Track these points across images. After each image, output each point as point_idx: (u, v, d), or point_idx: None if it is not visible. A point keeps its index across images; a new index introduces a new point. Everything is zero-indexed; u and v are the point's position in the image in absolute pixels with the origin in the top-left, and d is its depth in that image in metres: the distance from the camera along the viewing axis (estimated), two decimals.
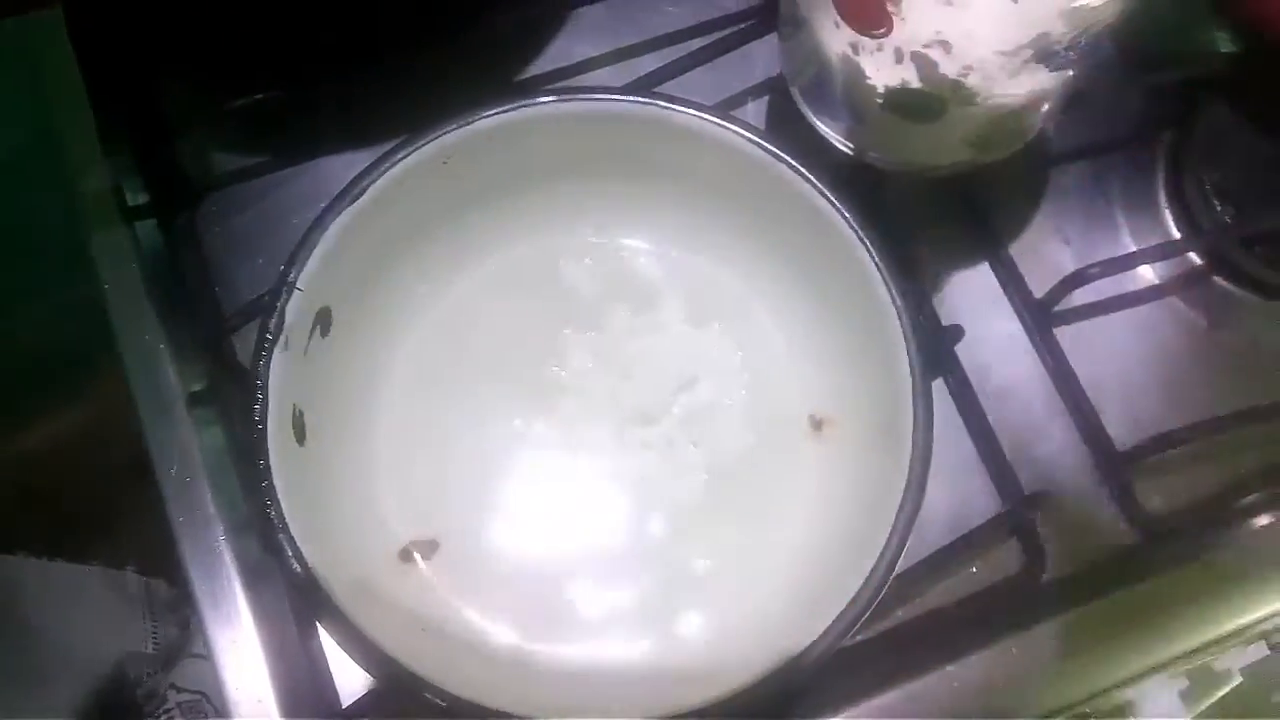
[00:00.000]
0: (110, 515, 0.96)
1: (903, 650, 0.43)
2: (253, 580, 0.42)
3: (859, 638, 0.37)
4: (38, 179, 0.60)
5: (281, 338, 0.37)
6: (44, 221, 0.69)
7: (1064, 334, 0.48)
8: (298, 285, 0.37)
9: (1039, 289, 0.49)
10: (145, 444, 0.44)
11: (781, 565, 0.42)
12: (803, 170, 0.39)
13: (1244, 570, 0.42)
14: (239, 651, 0.41)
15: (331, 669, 0.43)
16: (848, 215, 0.39)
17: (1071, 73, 0.39)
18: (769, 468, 0.44)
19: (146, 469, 0.44)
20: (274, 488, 0.35)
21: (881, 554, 0.35)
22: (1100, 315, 0.50)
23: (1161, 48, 0.53)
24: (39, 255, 0.80)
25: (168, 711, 0.81)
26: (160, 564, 0.90)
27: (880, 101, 0.40)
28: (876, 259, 0.38)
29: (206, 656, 0.85)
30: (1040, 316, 0.48)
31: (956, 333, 0.46)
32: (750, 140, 0.40)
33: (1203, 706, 0.49)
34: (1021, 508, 0.45)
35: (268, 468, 0.35)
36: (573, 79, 0.51)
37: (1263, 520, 0.46)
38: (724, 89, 0.52)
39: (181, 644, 0.87)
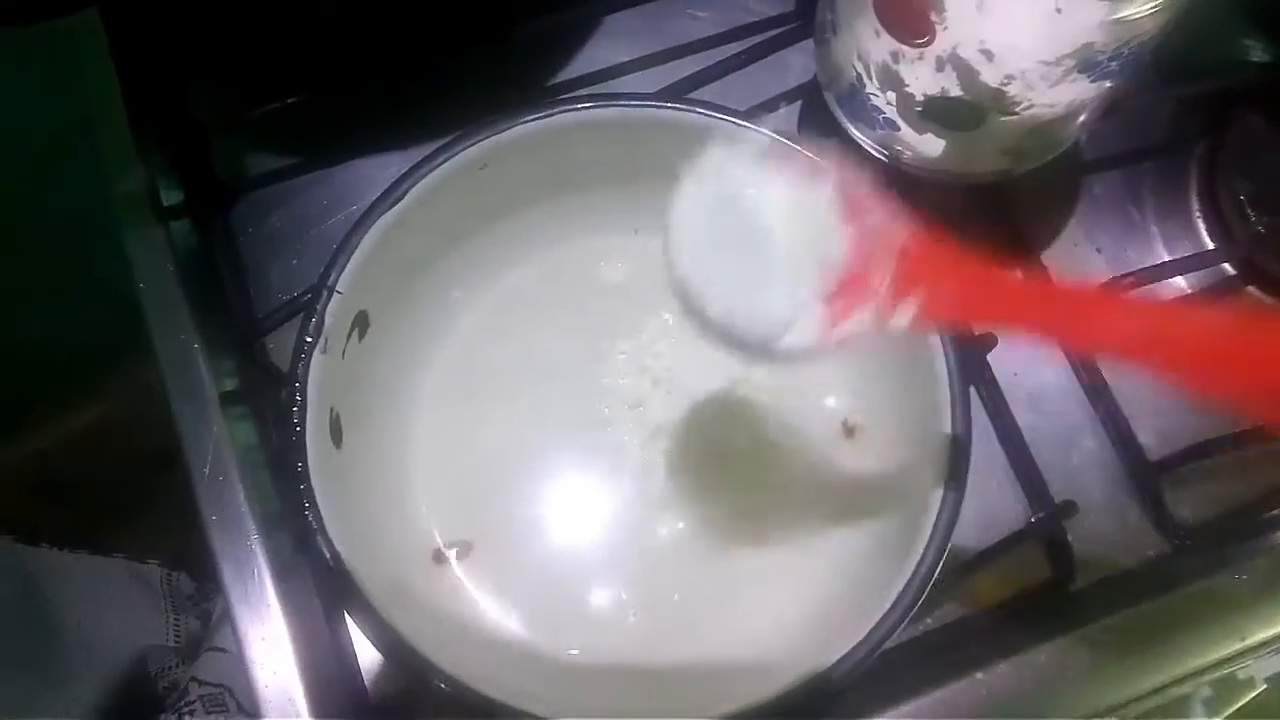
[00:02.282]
0: (134, 509, 0.97)
1: (932, 657, 0.43)
2: (284, 577, 0.42)
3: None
4: (73, 178, 0.60)
5: (321, 340, 0.37)
6: (77, 220, 0.69)
7: None
8: (337, 288, 0.37)
9: None
10: (178, 441, 0.44)
11: (815, 572, 0.42)
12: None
13: (1273, 581, 0.42)
14: (269, 648, 0.41)
15: (361, 667, 0.43)
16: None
17: (1110, 84, 0.39)
18: (801, 475, 0.44)
19: (170, 463, 0.44)
20: (312, 490, 0.35)
21: (919, 562, 0.35)
22: None
23: (1195, 58, 0.52)
24: (69, 252, 0.80)
25: (189, 704, 0.82)
26: (182, 557, 0.91)
27: (919, 110, 0.40)
28: None
29: (228, 650, 0.86)
30: None
31: (989, 340, 0.46)
32: (785, 145, 0.40)
33: (1226, 713, 0.49)
34: (1052, 516, 0.45)
35: (306, 470, 0.35)
36: (603, 85, 0.51)
37: None
38: (756, 95, 0.52)
39: (203, 637, 0.87)
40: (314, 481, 0.35)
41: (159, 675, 0.87)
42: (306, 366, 0.36)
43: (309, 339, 0.37)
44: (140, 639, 0.86)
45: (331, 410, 0.38)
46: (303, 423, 0.36)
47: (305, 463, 0.35)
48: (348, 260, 0.38)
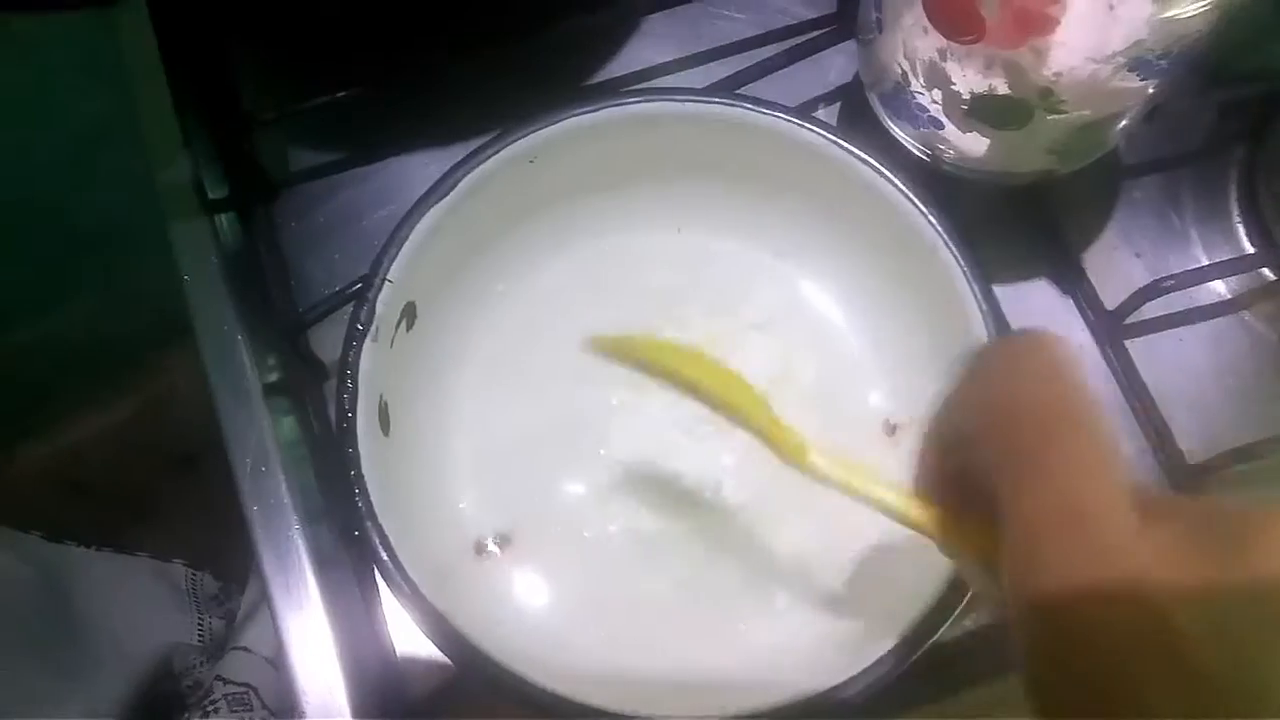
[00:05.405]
0: (158, 508, 0.98)
1: (959, 662, 0.43)
2: (325, 571, 0.42)
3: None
4: (117, 170, 0.61)
5: (372, 329, 0.37)
6: (117, 214, 0.70)
7: (1134, 346, 0.48)
8: (389, 278, 0.38)
9: (1109, 300, 0.49)
10: (220, 432, 0.44)
11: (854, 572, 0.42)
12: (888, 173, 0.40)
13: None
14: (310, 642, 0.41)
15: (400, 658, 0.44)
16: (933, 219, 0.39)
17: (1156, 85, 0.39)
18: None
19: (194, 464, 0.44)
20: (363, 476, 0.35)
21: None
22: (1171, 328, 0.50)
23: (1236, 63, 0.53)
24: (104, 247, 0.81)
25: (214, 702, 0.82)
26: (206, 557, 0.91)
27: (965, 108, 0.40)
28: (962, 262, 0.38)
29: (252, 650, 0.86)
30: (1112, 328, 0.48)
31: None
32: (834, 142, 0.40)
33: None
34: None
35: (356, 456, 0.36)
36: (643, 84, 0.52)
37: None
38: (795, 95, 0.52)
39: (227, 636, 0.88)
40: (364, 468, 0.36)
41: (183, 674, 0.87)
42: (358, 354, 0.37)
43: (359, 326, 0.37)
44: (165, 637, 0.87)
45: (380, 398, 0.38)
46: (354, 409, 0.36)
47: (355, 448, 0.36)
48: (399, 250, 0.38)
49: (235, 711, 0.82)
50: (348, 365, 0.37)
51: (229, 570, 0.92)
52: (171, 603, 0.92)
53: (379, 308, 0.37)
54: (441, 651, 0.35)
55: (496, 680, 0.35)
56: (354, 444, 0.36)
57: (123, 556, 0.91)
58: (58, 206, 0.76)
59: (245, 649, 0.85)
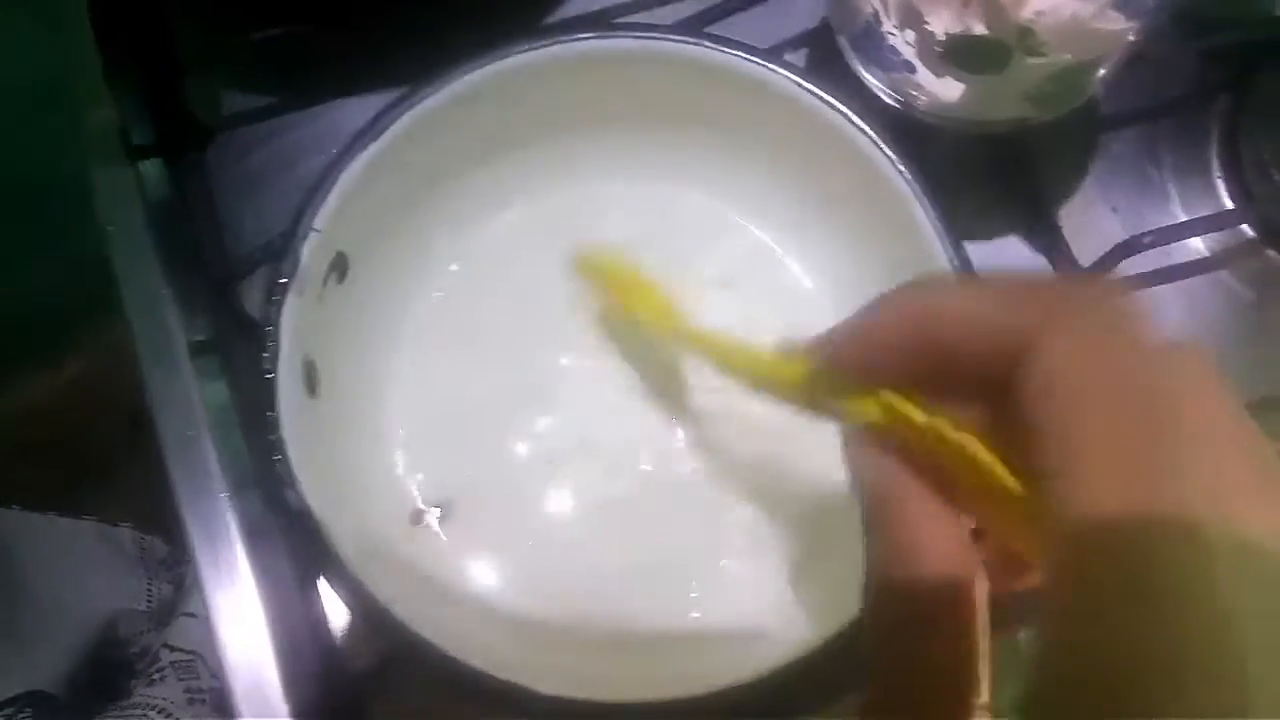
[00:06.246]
0: (108, 470, 0.96)
1: None
2: (254, 541, 0.40)
3: None
4: (41, 116, 0.58)
5: (296, 281, 0.35)
6: (48, 163, 0.67)
7: None
8: (315, 226, 0.35)
9: (1085, 257, 0.47)
10: (145, 394, 0.42)
11: (814, 542, 0.40)
12: (858, 121, 0.37)
13: None
14: (238, 613, 0.39)
15: (334, 633, 0.41)
16: (904, 171, 0.37)
17: (1140, 25, 0.37)
18: (803, 436, 0.42)
19: (142, 424, 0.42)
20: (283, 439, 0.33)
21: None
22: (1146, 287, 0.48)
23: (1218, 9, 0.50)
24: (42, 201, 0.78)
25: (160, 670, 0.81)
26: (157, 520, 0.89)
27: (939, 50, 0.38)
28: (933, 216, 0.36)
29: (199, 615, 0.84)
30: None
31: None
32: (802, 86, 0.38)
33: None
34: None
35: (277, 417, 0.33)
36: (604, 23, 0.49)
37: None
38: (760, 38, 0.49)
39: (176, 602, 0.86)
40: (285, 430, 0.33)
41: (130, 640, 0.86)
42: (280, 308, 0.34)
43: (283, 280, 0.34)
44: (112, 603, 0.85)
45: (306, 356, 0.35)
46: (274, 367, 0.34)
47: (276, 409, 0.33)
48: (327, 196, 0.35)
49: (182, 680, 0.80)
50: (268, 320, 0.34)
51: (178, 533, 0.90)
52: (120, 567, 0.90)
53: (304, 258, 0.35)
54: (368, 629, 0.33)
55: (429, 662, 0.33)
56: (274, 404, 0.33)
57: (69, 520, 0.89)
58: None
59: (193, 615, 0.83)
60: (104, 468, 0.95)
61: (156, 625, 0.85)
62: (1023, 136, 0.44)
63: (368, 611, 0.33)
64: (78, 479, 0.95)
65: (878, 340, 0.24)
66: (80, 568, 0.86)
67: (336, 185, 0.35)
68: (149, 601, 0.87)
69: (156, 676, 0.79)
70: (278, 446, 0.33)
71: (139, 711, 0.79)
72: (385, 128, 0.36)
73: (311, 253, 0.35)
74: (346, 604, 0.33)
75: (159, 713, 0.78)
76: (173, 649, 0.80)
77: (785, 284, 0.43)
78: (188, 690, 0.78)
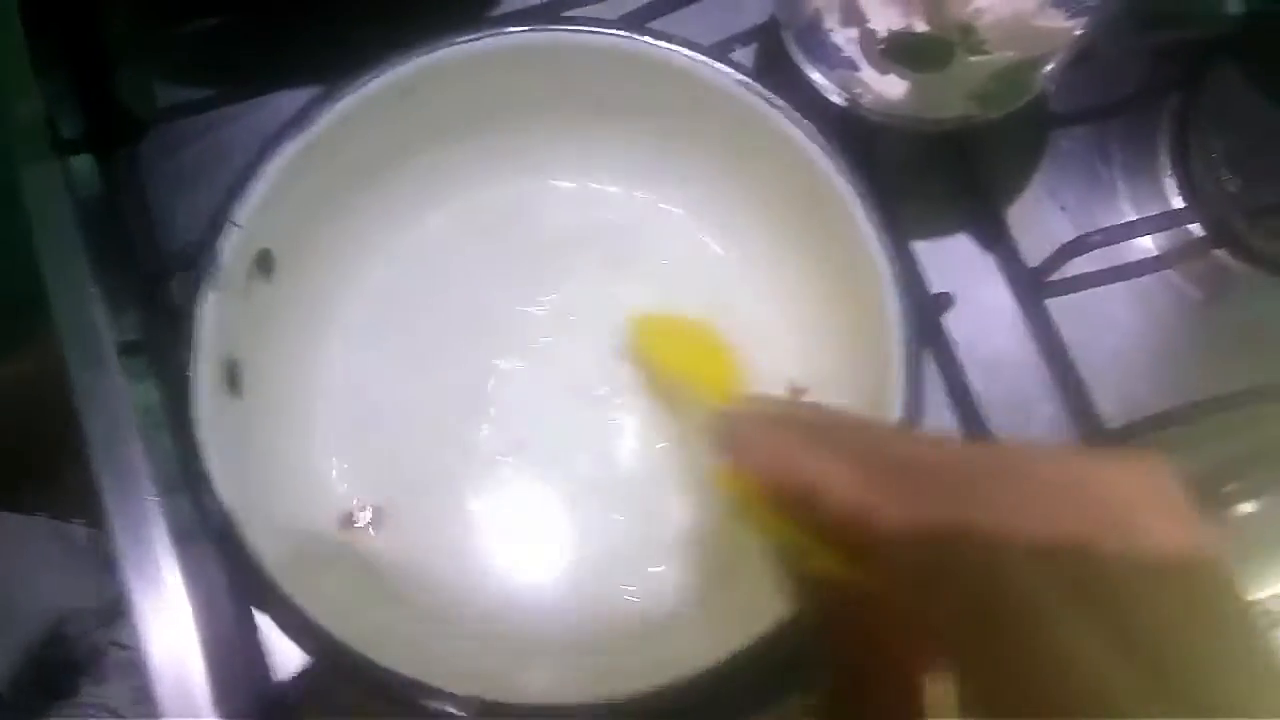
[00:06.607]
0: (58, 465, 0.94)
1: None
2: (183, 546, 0.39)
3: None
4: None
5: (216, 278, 0.34)
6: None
7: (1056, 305, 0.46)
8: (236, 221, 0.34)
9: (1032, 257, 0.46)
10: (71, 395, 0.41)
11: (745, 546, 0.39)
12: (796, 116, 0.37)
13: (1233, 555, 0.40)
14: (166, 621, 0.38)
15: (265, 641, 0.40)
16: (842, 168, 0.36)
17: (1084, 24, 0.36)
18: None
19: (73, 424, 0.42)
20: (199, 440, 0.32)
21: None
22: (1094, 287, 0.47)
23: (1169, 6, 0.50)
24: None
25: (107, 669, 0.80)
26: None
27: (881, 47, 0.37)
28: (871, 217, 0.36)
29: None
30: (1032, 286, 0.46)
31: (945, 300, 0.44)
32: (740, 82, 0.37)
33: None
34: None
35: (194, 418, 0.32)
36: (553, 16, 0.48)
37: (1246, 508, 0.45)
38: (709, 34, 0.48)
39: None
40: (203, 431, 0.32)
41: (78, 638, 0.84)
42: (200, 305, 0.33)
43: (202, 276, 0.33)
44: (62, 601, 0.84)
45: (229, 355, 0.35)
46: (193, 366, 0.33)
47: (194, 410, 0.32)
48: (249, 190, 0.34)
49: (129, 678, 0.79)
50: (188, 318, 0.33)
51: None
52: (71, 565, 0.89)
53: (225, 254, 0.34)
54: (288, 636, 0.32)
55: (357, 670, 0.32)
56: (192, 405, 0.32)
57: (19, 516, 0.87)
58: None
59: None
60: (54, 464, 0.94)
61: (105, 622, 0.84)
62: (971, 134, 0.44)
63: (288, 618, 0.32)
64: (27, 475, 0.93)
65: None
66: (31, 566, 0.85)
67: (260, 180, 0.34)
68: (99, 599, 0.86)
69: (104, 675, 0.79)
70: (194, 448, 0.32)
71: (91, 712, 0.78)
72: (312, 121, 0.35)
73: (233, 249, 0.34)
74: (267, 611, 0.32)
75: (108, 713, 0.78)
76: (121, 646, 0.80)
77: (726, 284, 0.43)
78: (134, 689, 0.77)
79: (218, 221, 0.34)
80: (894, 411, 0.35)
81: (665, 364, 0.40)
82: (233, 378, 0.35)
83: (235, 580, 0.40)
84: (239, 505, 0.32)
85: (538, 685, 0.36)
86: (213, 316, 0.33)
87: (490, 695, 0.33)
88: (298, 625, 0.32)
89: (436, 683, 0.32)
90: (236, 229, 0.34)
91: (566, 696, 0.35)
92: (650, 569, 0.40)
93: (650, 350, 0.40)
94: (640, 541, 0.40)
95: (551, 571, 0.40)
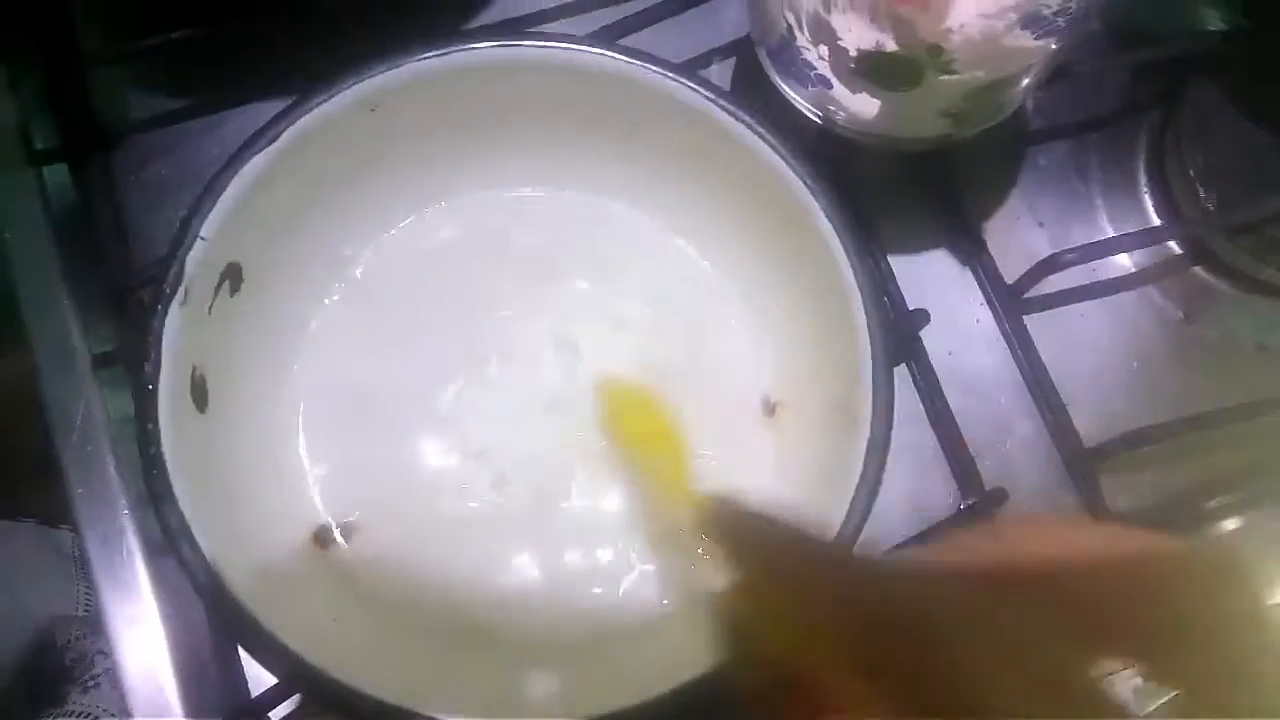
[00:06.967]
0: (46, 471, 0.93)
1: None
2: (156, 559, 0.39)
3: None
4: None
5: (180, 291, 0.33)
6: None
7: (1034, 322, 0.46)
8: (201, 235, 0.34)
9: (1010, 274, 0.46)
10: (44, 406, 0.41)
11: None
12: (766, 134, 0.36)
13: None
14: (139, 635, 0.39)
15: (241, 656, 0.40)
16: (812, 186, 0.36)
17: (1056, 44, 0.36)
18: (719, 451, 0.41)
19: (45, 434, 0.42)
20: (162, 456, 0.32)
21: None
22: (1073, 303, 0.47)
23: (1148, 23, 0.50)
24: None
25: (94, 678, 0.79)
26: None
27: (853, 66, 0.37)
28: (841, 234, 0.35)
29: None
30: (1010, 303, 0.46)
31: (922, 317, 0.43)
32: (710, 99, 0.37)
33: (1154, 705, 0.47)
34: (982, 503, 0.43)
35: (156, 433, 0.32)
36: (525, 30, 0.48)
37: (1231, 524, 0.45)
38: (687, 49, 0.48)
39: None
40: (166, 447, 0.32)
41: (66, 647, 0.84)
42: (163, 319, 0.33)
43: (166, 290, 0.33)
44: (50, 608, 0.83)
45: (194, 370, 0.34)
46: (155, 380, 0.32)
47: (156, 425, 0.32)
48: (215, 203, 0.34)
49: (116, 688, 0.78)
50: (150, 331, 0.33)
51: None
52: (59, 572, 0.88)
53: (189, 268, 0.33)
54: (255, 657, 0.32)
55: (325, 688, 0.32)
56: (154, 420, 0.32)
57: (6, 523, 0.87)
58: None
59: None
60: (42, 468, 0.93)
61: (93, 630, 0.84)
62: (949, 150, 0.44)
63: (255, 638, 0.32)
64: (14, 481, 0.93)
65: None
66: (18, 572, 0.84)
67: (226, 192, 0.34)
68: (88, 607, 0.86)
69: (91, 684, 0.78)
70: (156, 464, 0.32)
71: None
72: (280, 133, 0.35)
73: (198, 262, 0.34)
74: (232, 632, 0.32)
75: None
76: (109, 655, 0.79)
77: (701, 299, 0.43)
78: (121, 698, 0.76)
79: (181, 235, 0.34)
80: (865, 425, 0.35)
81: (627, 444, 0.40)
82: (198, 393, 0.34)
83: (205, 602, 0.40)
84: (204, 523, 0.32)
85: (512, 703, 0.36)
86: (176, 331, 0.33)
87: (467, 714, 0.33)
88: (265, 645, 0.32)
89: (409, 704, 0.32)
90: (202, 242, 0.34)
91: (540, 714, 0.35)
92: (620, 585, 0.39)
93: (614, 425, 0.41)
94: (613, 557, 0.40)
95: (523, 587, 0.39)
